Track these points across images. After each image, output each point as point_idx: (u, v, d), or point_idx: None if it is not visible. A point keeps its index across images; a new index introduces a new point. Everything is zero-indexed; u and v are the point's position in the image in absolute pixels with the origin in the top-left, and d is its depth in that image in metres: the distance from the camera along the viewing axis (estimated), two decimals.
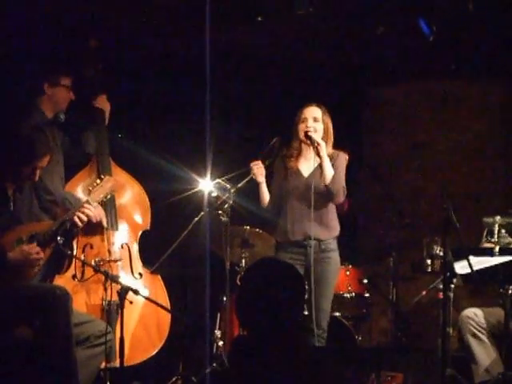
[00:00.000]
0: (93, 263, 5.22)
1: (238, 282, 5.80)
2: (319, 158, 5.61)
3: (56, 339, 4.56)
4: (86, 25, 6.08)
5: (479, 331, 5.42)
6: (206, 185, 5.62)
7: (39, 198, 5.16)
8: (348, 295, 6.41)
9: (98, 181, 5.15)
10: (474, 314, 5.46)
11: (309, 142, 5.64)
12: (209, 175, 5.66)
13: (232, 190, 5.61)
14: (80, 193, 5.42)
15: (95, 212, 5.22)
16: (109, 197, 5.27)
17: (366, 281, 6.47)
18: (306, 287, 6.01)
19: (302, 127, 5.68)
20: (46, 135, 5.00)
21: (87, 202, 5.00)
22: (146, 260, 5.56)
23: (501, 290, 5.18)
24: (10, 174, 4.79)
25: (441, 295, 5.47)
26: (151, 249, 5.60)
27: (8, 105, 5.60)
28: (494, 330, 5.42)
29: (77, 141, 5.63)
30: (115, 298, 4.68)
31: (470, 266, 5.02)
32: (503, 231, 5.56)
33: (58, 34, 6.08)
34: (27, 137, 4.76)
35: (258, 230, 6.22)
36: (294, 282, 3.26)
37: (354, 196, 8.11)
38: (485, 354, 5.42)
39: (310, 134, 5.60)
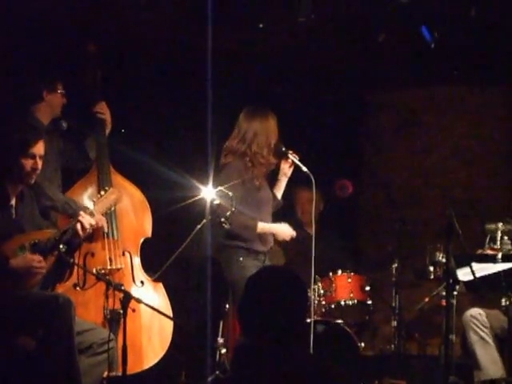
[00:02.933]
0: (94, 271, 5.21)
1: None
2: (285, 176, 5.80)
3: (59, 347, 4.53)
4: (85, 30, 6.07)
5: (482, 331, 5.41)
6: (208, 192, 5.60)
7: (38, 202, 5.16)
8: (350, 302, 6.37)
9: (103, 192, 5.14)
10: (479, 314, 5.46)
11: (286, 158, 5.72)
12: (211, 183, 5.65)
13: (234, 198, 5.59)
14: (86, 203, 5.39)
15: (97, 218, 5.23)
16: (113, 208, 5.27)
17: (368, 288, 6.44)
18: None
19: (276, 141, 5.69)
20: (33, 125, 4.98)
21: (91, 213, 4.98)
22: (148, 268, 5.55)
23: (504, 301, 5.17)
24: (13, 173, 4.77)
25: (444, 302, 5.46)
26: (153, 257, 5.59)
27: (3, 113, 5.60)
28: (496, 334, 5.42)
29: (80, 146, 5.63)
30: (117, 306, 4.67)
31: (473, 272, 5.01)
32: (506, 238, 5.56)
33: (55, 39, 6.08)
34: (14, 128, 4.75)
35: None
36: (297, 290, 3.25)
37: (356, 203, 8.16)
38: (487, 354, 5.42)
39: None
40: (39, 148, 4.78)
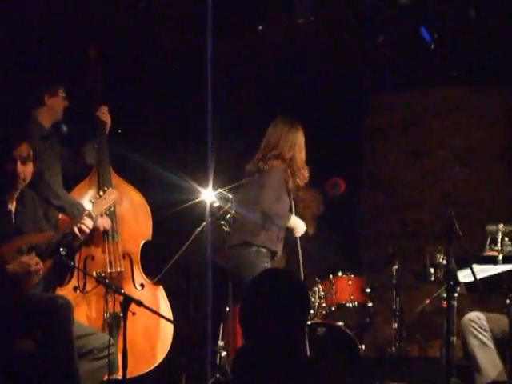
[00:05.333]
0: (94, 275, 5.21)
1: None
2: None
3: (58, 349, 4.53)
4: (86, 34, 6.07)
5: (481, 334, 5.39)
6: (208, 195, 5.60)
7: (46, 202, 5.16)
8: (350, 304, 6.36)
9: (101, 193, 5.14)
10: (477, 317, 5.44)
11: None
12: (211, 185, 5.65)
13: (234, 200, 5.59)
14: (86, 205, 5.39)
15: (102, 221, 5.22)
16: (112, 209, 5.25)
17: (368, 290, 6.44)
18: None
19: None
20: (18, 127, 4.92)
21: (89, 214, 4.96)
22: (149, 271, 5.54)
23: (507, 301, 5.16)
24: None
25: (444, 304, 5.45)
26: (153, 259, 5.58)
27: (5, 118, 5.59)
28: (497, 337, 5.40)
29: (76, 153, 5.62)
30: (117, 309, 4.66)
31: (474, 274, 5.00)
32: (506, 239, 5.54)
33: (57, 43, 6.08)
34: None
35: None
36: (299, 293, 3.24)
37: (356, 204, 8.16)
38: (487, 357, 5.39)
39: None
40: (22, 150, 4.67)
